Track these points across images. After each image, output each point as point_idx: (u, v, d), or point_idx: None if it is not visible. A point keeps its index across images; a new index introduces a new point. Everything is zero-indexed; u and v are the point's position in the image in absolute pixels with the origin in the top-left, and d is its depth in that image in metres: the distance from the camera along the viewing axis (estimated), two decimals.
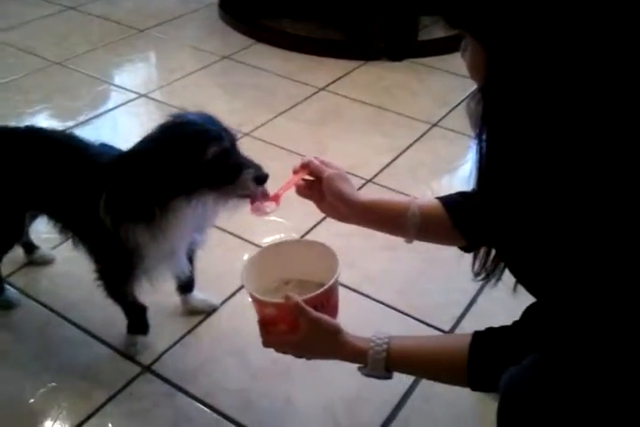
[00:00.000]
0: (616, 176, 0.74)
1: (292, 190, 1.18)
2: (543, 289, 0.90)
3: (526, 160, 0.80)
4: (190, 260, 1.39)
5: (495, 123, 0.82)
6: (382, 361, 1.02)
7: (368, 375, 1.05)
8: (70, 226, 1.35)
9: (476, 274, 1.04)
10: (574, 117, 0.74)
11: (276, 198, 1.16)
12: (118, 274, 1.29)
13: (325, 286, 1.06)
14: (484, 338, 1.00)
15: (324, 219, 1.79)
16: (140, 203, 1.11)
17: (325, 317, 1.05)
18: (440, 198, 1.20)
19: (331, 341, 1.05)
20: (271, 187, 1.17)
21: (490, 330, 1.02)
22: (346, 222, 1.21)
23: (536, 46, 0.72)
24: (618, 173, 0.74)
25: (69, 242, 1.38)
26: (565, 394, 0.83)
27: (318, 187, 1.15)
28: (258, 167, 1.16)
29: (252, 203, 1.17)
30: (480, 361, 0.97)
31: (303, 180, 1.17)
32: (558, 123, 0.75)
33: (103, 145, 1.33)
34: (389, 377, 1.05)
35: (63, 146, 1.33)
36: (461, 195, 1.20)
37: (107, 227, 1.14)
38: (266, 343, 1.11)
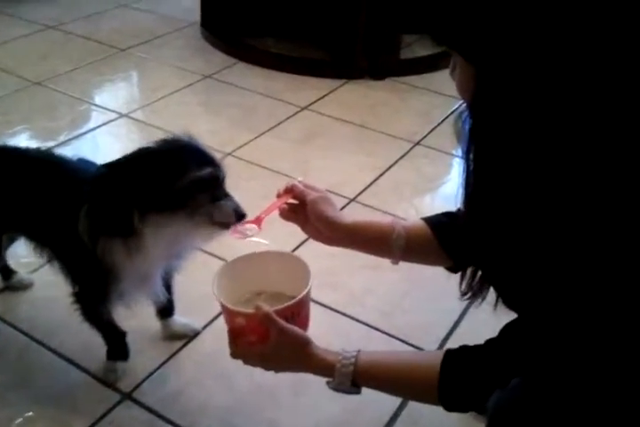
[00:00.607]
0: (605, 199, 0.73)
1: (276, 214, 1.17)
2: (528, 309, 0.90)
3: (514, 179, 0.79)
4: (168, 284, 1.37)
5: (483, 141, 0.81)
6: (349, 375, 1.01)
7: (335, 390, 1.04)
8: (48, 244, 1.33)
9: (463, 294, 1.03)
10: (563, 136, 0.74)
11: (258, 221, 1.16)
12: (94, 295, 1.26)
13: (297, 298, 1.06)
14: (457, 356, 0.98)
15: (307, 239, 1.77)
16: (118, 216, 1.09)
17: (295, 328, 1.04)
18: (425, 219, 1.19)
19: (299, 352, 1.04)
20: (254, 210, 1.16)
21: (463, 348, 1.00)
22: (331, 245, 1.20)
23: (523, 62, 0.72)
24: (607, 196, 0.73)
25: (48, 266, 1.35)
26: (552, 415, 0.82)
27: (302, 210, 1.16)
28: (238, 205, 1.15)
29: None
30: (451, 379, 0.95)
31: (287, 203, 1.17)
32: (547, 141, 0.75)
33: (81, 160, 1.32)
34: (358, 392, 1.03)
35: (39, 162, 1.32)
36: (447, 215, 1.20)
37: (84, 243, 1.12)
38: (234, 354, 1.10)
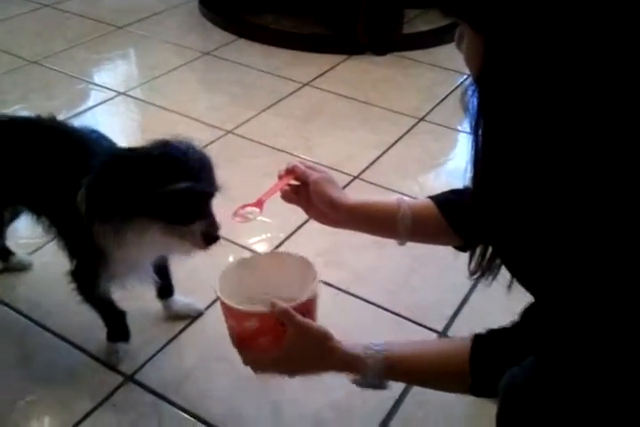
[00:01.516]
0: (617, 171, 0.70)
1: (278, 196, 1.14)
2: (541, 287, 0.87)
3: (524, 154, 0.76)
4: (164, 268, 1.35)
5: (491, 115, 0.77)
6: (381, 370, 0.96)
7: (362, 386, 0.99)
8: (49, 215, 1.30)
9: (472, 273, 0.99)
10: (574, 109, 0.70)
11: (259, 204, 1.11)
12: (88, 274, 1.24)
13: (312, 293, 1.02)
14: (485, 341, 0.95)
15: (309, 218, 1.74)
16: (110, 206, 1.08)
17: (315, 323, 0.99)
18: (432, 197, 1.16)
19: (321, 349, 0.98)
20: (256, 188, 1.12)
21: (490, 332, 0.97)
22: (335, 227, 1.17)
23: (536, 33, 0.67)
24: (619, 168, 0.70)
25: (47, 247, 1.32)
26: (566, 394, 0.80)
27: (305, 192, 1.12)
28: (215, 226, 1.12)
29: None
30: (482, 365, 0.92)
31: (288, 185, 1.13)
32: (558, 114, 0.71)
33: (93, 131, 1.31)
34: (385, 387, 0.99)
35: (49, 132, 1.30)
36: (454, 193, 1.16)
37: (83, 220, 1.10)
38: (247, 362, 1.05)
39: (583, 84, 0.68)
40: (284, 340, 0.98)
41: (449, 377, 0.97)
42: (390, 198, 1.16)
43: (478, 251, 1.00)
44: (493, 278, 0.97)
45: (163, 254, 1.25)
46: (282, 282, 1.13)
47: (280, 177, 1.13)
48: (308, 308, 1.02)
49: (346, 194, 1.13)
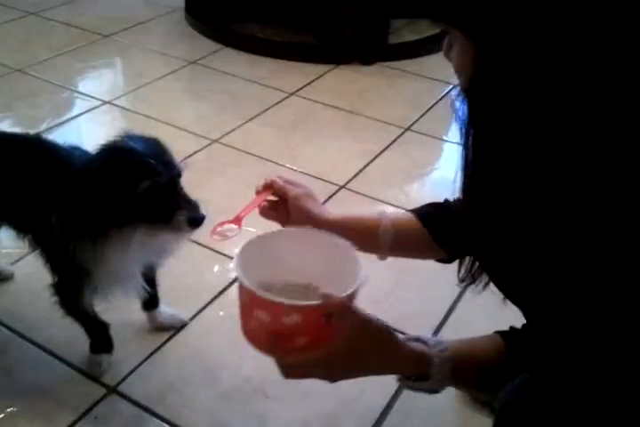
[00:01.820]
0: (609, 186, 0.70)
1: (256, 212, 1.11)
2: (529, 301, 0.86)
3: (514, 164, 0.75)
4: (151, 278, 1.33)
5: (481, 124, 0.77)
6: (448, 369, 0.89)
7: (420, 390, 0.92)
8: (29, 231, 1.29)
9: (462, 280, 0.99)
10: (566, 120, 0.69)
11: (237, 221, 1.07)
12: (70, 288, 1.23)
13: (359, 281, 0.89)
14: (514, 337, 0.95)
15: None
16: (82, 224, 1.07)
17: (374, 316, 0.88)
18: (413, 211, 1.15)
19: (384, 346, 0.88)
20: (241, 197, 1.11)
21: (513, 330, 0.98)
22: None
23: (528, 38, 0.67)
24: (611, 183, 0.70)
25: (29, 257, 1.31)
26: (560, 415, 0.79)
27: (283, 207, 1.09)
28: (195, 207, 1.10)
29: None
30: (518, 363, 0.88)
31: (266, 201, 1.10)
32: (549, 126, 0.71)
33: (74, 148, 1.28)
34: (440, 391, 0.92)
35: (28, 148, 1.28)
36: (434, 206, 1.16)
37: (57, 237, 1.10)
38: (288, 369, 0.88)
39: (574, 91, 0.68)
40: (327, 338, 0.85)
41: (495, 375, 0.92)
42: (371, 213, 1.14)
43: (468, 258, 1.00)
44: (485, 285, 0.97)
45: (146, 260, 1.23)
46: (305, 264, 0.99)
47: (258, 192, 1.10)
48: (353, 298, 0.89)
49: (326, 209, 1.11)
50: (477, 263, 0.97)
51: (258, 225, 1.33)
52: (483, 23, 0.70)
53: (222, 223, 1.06)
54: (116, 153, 1.07)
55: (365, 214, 1.15)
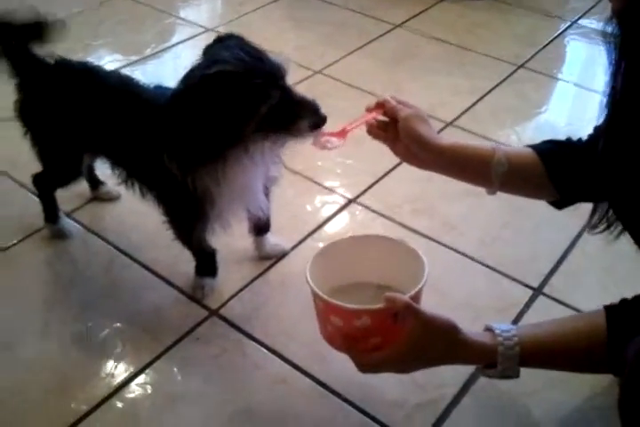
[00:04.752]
0: None
1: (364, 133, 1.08)
2: None
3: None
4: (265, 201, 1.29)
5: (636, 54, 0.68)
6: (516, 357, 0.89)
7: (493, 377, 0.92)
8: (134, 174, 1.28)
9: (594, 226, 0.92)
10: None
11: (342, 134, 1.06)
12: (190, 221, 1.21)
13: (423, 280, 0.96)
14: (620, 312, 0.87)
15: (400, 162, 1.66)
16: (198, 154, 1.03)
17: (438, 314, 0.91)
18: (532, 146, 1.07)
19: (450, 342, 0.91)
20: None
21: (623, 302, 0.89)
22: (422, 168, 1.10)
23: None
24: None
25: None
26: None
27: (393, 128, 1.05)
28: (314, 110, 1.04)
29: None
30: (621, 340, 0.83)
31: (376, 120, 1.07)
32: None
33: (158, 87, 1.23)
34: (518, 376, 0.92)
35: (119, 86, 1.24)
36: (555, 143, 1.07)
37: (174, 174, 1.07)
38: (364, 366, 0.96)
39: None
40: (398, 336, 0.91)
41: (588, 357, 0.89)
42: (486, 144, 1.08)
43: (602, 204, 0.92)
44: (620, 233, 0.89)
45: (266, 173, 1.19)
46: (375, 267, 1.09)
47: (368, 110, 1.08)
48: (418, 296, 0.96)
49: (437, 134, 1.06)
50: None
51: (362, 160, 1.27)
52: None
53: (326, 134, 1.06)
54: (221, 80, 0.97)
55: (479, 144, 1.08)
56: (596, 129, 1.00)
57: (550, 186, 1.04)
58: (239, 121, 0.99)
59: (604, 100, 0.79)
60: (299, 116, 1.03)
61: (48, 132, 1.33)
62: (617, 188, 0.83)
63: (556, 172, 1.03)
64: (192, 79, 0.99)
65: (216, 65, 0.97)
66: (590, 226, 0.93)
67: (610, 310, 0.88)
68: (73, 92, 1.25)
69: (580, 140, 1.06)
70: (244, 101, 0.97)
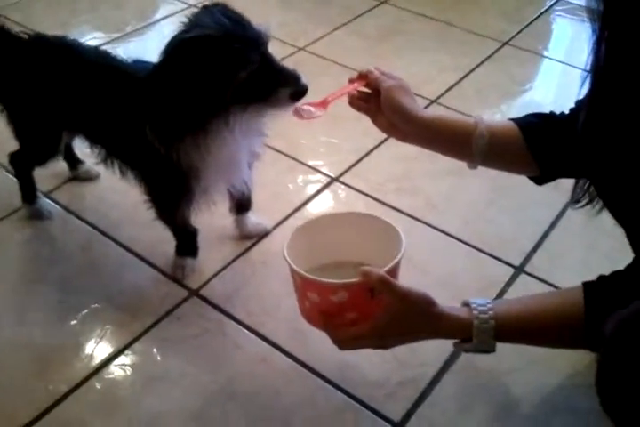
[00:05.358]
0: None
1: (347, 110, 1.06)
2: None
3: None
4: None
5: (618, 24, 0.67)
6: (491, 331, 0.89)
7: (470, 351, 0.92)
8: (115, 153, 1.26)
9: (576, 200, 0.91)
10: None
11: (323, 104, 1.04)
12: (174, 199, 1.19)
13: (400, 253, 0.95)
14: (598, 288, 0.87)
15: (384, 140, 1.66)
16: (179, 125, 1.02)
17: (414, 288, 0.90)
18: (514, 120, 1.05)
19: (426, 316, 0.90)
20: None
21: (601, 279, 0.88)
22: (403, 141, 1.08)
23: None
24: None
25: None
26: None
27: (376, 100, 1.03)
28: (295, 78, 1.02)
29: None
30: (599, 315, 0.82)
31: (358, 91, 1.05)
32: None
33: (138, 61, 1.21)
34: (494, 350, 0.91)
35: (97, 60, 1.22)
36: (537, 117, 1.06)
37: (156, 149, 1.05)
38: (341, 342, 0.96)
39: None
40: (375, 311, 0.91)
41: (565, 332, 0.89)
42: (467, 117, 1.06)
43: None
44: (603, 207, 0.88)
45: (250, 145, 1.18)
46: (354, 244, 1.07)
47: (351, 80, 1.06)
48: (395, 271, 0.95)
49: (420, 106, 1.04)
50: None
51: (345, 138, 1.26)
52: None
53: (307, 104, 1.04)
54: (200, 44, 0.95)
55: (461, 117, 1.07)
56: (578, 103, 0.99)
57: (531, 160, 1.03)
58: (219, 86, 0.97)
59: (586, 72, 0.78)
60: (279, 85, 1.01)
61: (24, 110, 1.30)
62: (596, 162, 0.82)
63: (537, 145, 1.02)
64: (172, 44, 0.99)
65: (195, 29, 0.96)
66: (572, 200, 0.92)
67: (588, 286, 0.88)
68: (49, 67, 1.22)
69: (562, 113, 1.05)
70: (223, 66, 0.96)
